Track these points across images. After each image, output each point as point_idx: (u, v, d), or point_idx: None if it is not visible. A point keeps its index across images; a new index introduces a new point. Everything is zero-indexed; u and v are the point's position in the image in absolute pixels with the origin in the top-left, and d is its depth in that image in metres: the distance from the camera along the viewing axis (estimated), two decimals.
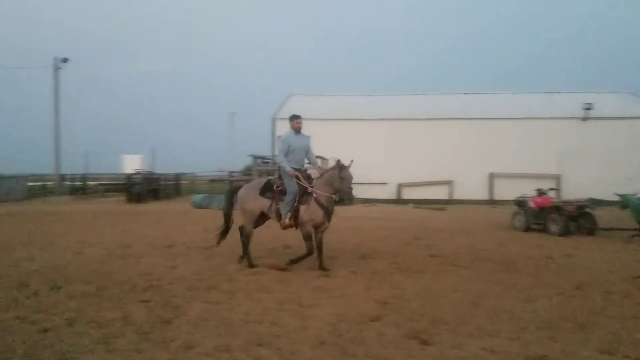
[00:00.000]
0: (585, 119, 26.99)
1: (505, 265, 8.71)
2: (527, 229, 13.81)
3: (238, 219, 8.95)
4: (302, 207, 8.23)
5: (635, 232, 12.00)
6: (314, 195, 8.20)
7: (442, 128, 27.16)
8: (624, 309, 6.03)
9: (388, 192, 26.79)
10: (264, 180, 9.14)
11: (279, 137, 9.82)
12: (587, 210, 13.28)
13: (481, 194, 26.45)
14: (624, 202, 12.56)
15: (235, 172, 35.43)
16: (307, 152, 8.67)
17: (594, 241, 11.92)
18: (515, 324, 5.40)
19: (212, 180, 36.90)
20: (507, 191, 21.67)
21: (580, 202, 13.56)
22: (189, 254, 9.66)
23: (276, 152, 9.60)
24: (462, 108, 28.81)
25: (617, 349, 4.66)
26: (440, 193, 26.48)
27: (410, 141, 27.00)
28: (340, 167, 8.17)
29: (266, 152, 29.87)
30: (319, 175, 8.51)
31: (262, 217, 8.83)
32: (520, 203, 14.51)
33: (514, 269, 8.47)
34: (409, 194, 26.72)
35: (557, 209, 13.26)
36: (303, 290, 6.81)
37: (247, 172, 32.28)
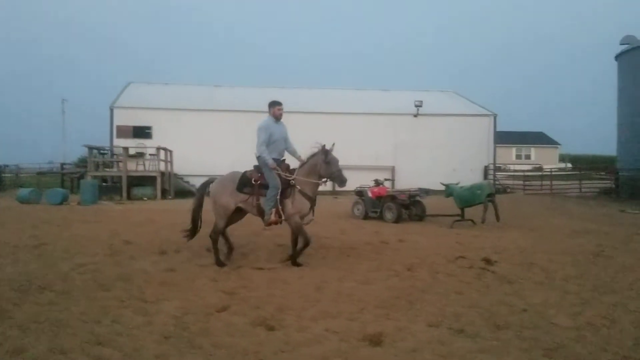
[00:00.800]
0: (416, 115, 29.38)
1: (347, 251, 9.18)
2: (366, 217, 14.71)
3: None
4: (287, 201, 7.87)
5: (458, 218, 13.37)
6: (298, 187, 7.89)
7: (289, 120, 27.65)
8: (449, 286, 6.69)
9: None
10: (238, 174, 8.42)
11: (259, 126, 8.34)
12: (418, 198, 14.53)
13: (324, 185, 27.48)
14: (448, 191, 13.96)
15: (68, 163, 32.78)
16: (286, 141, 8.34)
17: (423, 226, 13.09)
18: (355, 305, 5.74)
19: (39, 173, 33.66)
20: (348, 182, 22.85)
21: (411, 191, 14.76)
22: (15, 252, 8.74)
23: (257, 143, 8.16)
24: (307, 102, 29.68)
25: (442, 322, 5.17)
26: None
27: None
28: (325, 152, 7.90)
29: (104, 142, 28.06)
30: (299, 165, 8.15)
31: (239, 213, 8.39)
32: (360, 193, 15.40)
33: (354, 254, 8.97)
34: None
35: (392, 198, 14.30)
36: (146, 286, 6.54)
37: (82, 163, 30.06)
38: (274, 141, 8.03)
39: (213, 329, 4.94)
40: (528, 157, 57.66)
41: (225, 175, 8.64)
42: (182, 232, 8.73)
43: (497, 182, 28.87)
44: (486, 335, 4.79)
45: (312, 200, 8.06)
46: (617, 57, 26.56)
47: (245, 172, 8.32)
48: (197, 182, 25.57)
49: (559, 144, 60.78)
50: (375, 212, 14.60)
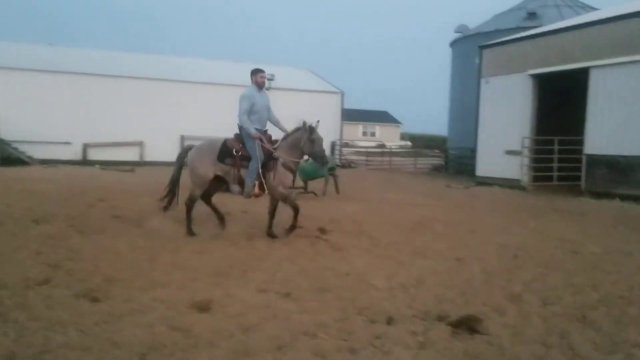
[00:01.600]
0: (268, 88, 29.53)
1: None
2: None
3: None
4: (270, 173, 7.66)
5: (301, 190, 13.86)
6: (281, 159, 7.65)
7: (132, 87, 26.22)
8: (283, 254, 6.98)
9: (72, 153, 24.74)
10: (218, 142, 7.95)
11: (241, 95, 7.98)
12: None
13: (173, 156, 26.61)
14: None
15: None
16: (269, 111, 7.99)
17: (267, 198, 13.35)
18: (187, 275, 5.76)
19: None
20: None
21: None
22: None
23: (239, 112, 7.87)
24: (153, 68, 28.39)
25: (271, 287, 5.41)
26: (130, 154, 25.78)
27: (97, 99, 25.25)
28: (310, 129, 7.64)
29: None
30: (282, 137, 7.86)
31: (218, 182, 8.04)
32: None
33: (195, 224, 8.93)
34: (96, 155, 25.22)
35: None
36: None
37: None
38: (256, 111, 7.77)
39: (31, 302, 4.67)
40: (373, 134, 61.06)
41: (204, 143, 8.30)
42: (158, 201, 8.49)
43: (342, 158, 30.23)
44: (309, 297, 5.12)
45: (294, 174, 8.00)
46: (452, 44, 29.03)
47: (226, 140, 8.00)
48: (30, 150, 23.64)
49: (401, 123, 65.26)
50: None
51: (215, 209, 8.51)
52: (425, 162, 29.94)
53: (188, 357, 3.74)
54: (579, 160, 15.98)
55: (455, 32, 29.12)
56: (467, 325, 4.33)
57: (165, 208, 8.45)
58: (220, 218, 8.47)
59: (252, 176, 7.68)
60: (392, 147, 36.66)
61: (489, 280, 5.90)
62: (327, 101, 30.95)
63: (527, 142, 17.54)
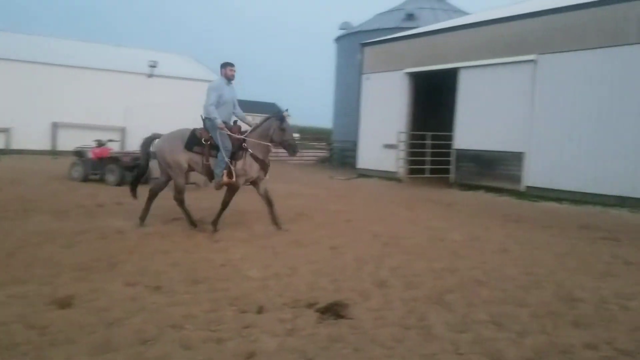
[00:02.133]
0: (150, 75, 28.40)
1: (55, 215, 8.60)
2: (86, 179, 13.84)
3: None
4: (238, 163, 7.64)
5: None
6: (250, 150, 7.65)
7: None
8: (157, 246, 6.80)
9: None
10: (187, 131, 7.89)
11: (209, 86, 7.88)
12: None
13: (44, 144, 24.90)
14: None
15: None
16: (235, 105, 7.98)
17: (147, 189, 12.89)
18: (50, 270, 5.44)
19: None
20: (72, 142, 21.05)
21: (136, 153, 14.36)
22: None
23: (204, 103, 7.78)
24: (23, 50, 26.17)
25: (141, 281, 5.25)
26: None
27: None
28: (281, 118, 7.62)
29: None
30: (252, 128, 7.90)
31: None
32: (79, 154, 14.40)
33: (64, 217, 8.44)
34: None
35: (115, 159, 13.72)
36: None
37: None
38: (223, 102, 7.75)
39: None
40: None
41: (171, 132, 8.12)
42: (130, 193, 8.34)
43: None
44: (181, 289, 5.04)
45: (264, 164, 7.92)
46: (336, 40, 29.71)
47: (194, 130, 7.91)
48: None
49: (289, 115, 65.54)
50: (96, 174, 13.85)
51: (150, 203, 8.24)
52: (311, 154, 30.46)
53: (44, 355, 3.55)
54: (450, 155, 17.14)
55: (340, 28, 29.83)
56: (334, 311, 4.51)
57: (133, 196, 8.33)
58: (145, 213, 8.16)
59: (221, 166, 7.65)
60: None
61: (359, 267, 6.16)
62: None
63: (402, 137, 18.51)
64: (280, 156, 28.82)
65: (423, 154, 18.49)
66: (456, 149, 16.89)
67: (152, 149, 8.56)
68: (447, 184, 16.84)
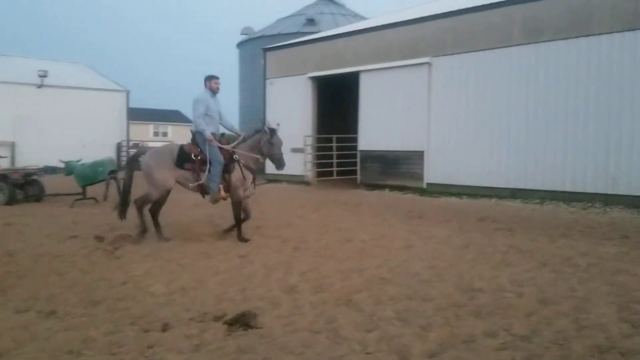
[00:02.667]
0: (40, 86, 26.71)
1: None
2: None
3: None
4: (232, 175, 7.66)
5: (79, 197, 12.79)
6: (242, 161, 7.70)
7: None
8: (52, 268, 6.36)
9: None
10: (175, 147, 7.91)
11: (195, 99, 7.84)
12: (35, 177, 13.32)
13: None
14: (69, 169, 13.20)
15: None
16: (221, 116, 7.96)
17: (40, 207, 12.11)
18: None
19: None
20: None
21: (27, 169, 13.44)
22: None
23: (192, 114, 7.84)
24: None
25: (33, 306, 4.88)
26: None
27: None
28: (271, 131, 7.64)
29: None
30: (241, 139, 7.92)
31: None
32: None
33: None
34: None
35: (4, 177, 12.74)
36: None
37: None
38: (210, 115, 7.71)
39: None
40: (165, 134, 59.10)
41: (159, 147, 8.21)
42: (113, 211, 8.28)
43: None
44: (78, 312, 4.74)
45: (255, 173, 7.99)
46: (238, 45, 29.48)
47: (182, 146, 7.88)
48: None
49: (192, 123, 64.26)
50: None
51: (142, 217, 7.96)
52: None
53: None
54: (355, 156, 17.52)
55: (242, 33, 29.65)
56: (243, 321, 4.41)
57: (121, 217, 8.19)
58: (144, 231, 7.94)
59: (216, 180, 7.63)
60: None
61: (268, 274, 6.09)
62: (110, 100, 29.16)
63: (309, 141, 18.67)
64: None
65: (330, 157, 18.75)
66: (361, 151, 17.29)
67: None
68: (354, 184, 17.19)
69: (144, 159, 8.08)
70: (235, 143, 7.99)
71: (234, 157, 7.82)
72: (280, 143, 7.98)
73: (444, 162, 15.09)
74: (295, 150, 18.90)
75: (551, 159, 13.11)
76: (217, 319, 4.57)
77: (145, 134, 54.56)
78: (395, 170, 16.23)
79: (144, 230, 7.92)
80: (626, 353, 3.74)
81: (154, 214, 8.01)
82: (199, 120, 7.65)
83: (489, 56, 14.24)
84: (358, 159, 17.39)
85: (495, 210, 11.65)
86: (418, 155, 15.63)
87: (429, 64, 15.35)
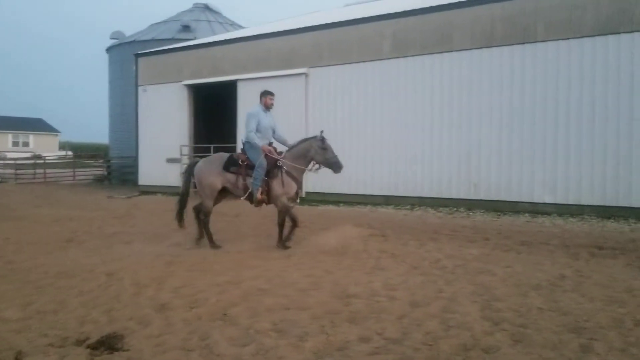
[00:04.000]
0: None
1: None
2: None
3: None
4: (274, 181, 7.95)
5: None
6: (284, 168, 7.95)
7: None
8: None
9: None
10: (225, 155, 8.42)
11: (248, 114, 8.20)
12: None
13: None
14: None
15: None
16: (274, 130, 8.34)
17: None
18: None
19: None
20: None
21: None
22: None
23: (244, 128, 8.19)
24: None
25: None
26: None
27: None
28: (322, 138, 7.99)
29: None
30: (289, 148, 8.25)
31: (220, 194, 8.43)
32: None
33: None
34: None
35: None
36: None
37: None
38: (261, 129, 8.02)
39: None
40: (27, 144, 54.52)
41: (211, 156, 8.80)
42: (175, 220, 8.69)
43: None
44: None
45: (299, 184, 8.21)
46: (108, 50, 27.94)
47: (232, 154, 8.40)
48: None
49: (59, 132, 60.07)
50: None
51: (200, 226, 8.57)
52: (87, 173, 28.08)
53: None
54: None
55: (111, 38, 28.17)
56: (107, 344, 4.09)
57: (181, 225, 8.72)
58: (201, 235, 8.54)
59: (257, 183, 7.91)
60: (49, 158, 33.22)
61: (138, 292, 5.73)
62: None
63: (185, 150, 18.11)
64: (50, 177, 26.08)
65: None
66: None
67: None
68: (233, 195, 16.89)
69: (197, 166, 8.56)
70: (284, 153, 8.31)
71: (277, 163, 8.06)
72: (331, 147, 8.20)
73: (322, 170, 15.32)
74: (170, 160, 18.27)
75: (419, 167, 13.86)
76: (79, 343, 4.19)
77: (4, 144, 49.94)
78: None
79: (214, 245, 8.36)
80: (488, 349, 3.97)
81: (206, 222, 8.47)
82: (251, 134, 8.03)
83: (362, 68, 14.78)
84: None
85: (370, 217, 12.05)
86: None
87: (305, 74, 15.60)
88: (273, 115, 8.51)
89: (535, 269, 6.68)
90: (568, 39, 11.87)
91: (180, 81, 18.36)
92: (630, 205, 11.09)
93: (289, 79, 15.95)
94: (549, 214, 11.74)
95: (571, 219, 11.15)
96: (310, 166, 8.33)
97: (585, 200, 11.62)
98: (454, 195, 13.28)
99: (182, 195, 8.77)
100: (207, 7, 28.31)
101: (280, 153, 8.29)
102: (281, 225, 8.27)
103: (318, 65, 15.53)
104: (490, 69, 12.85)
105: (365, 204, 14.19)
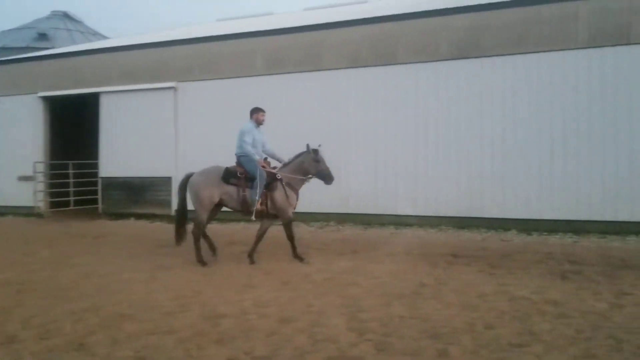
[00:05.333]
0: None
1: None
2: None
3: None
4: (276, 193, 8.10)
5: None
6: (284, 180, 8.11)
7: None
8: None
9: None
10: (220, 167, 8.42)
11: (243, 130, 8.34)
12: None
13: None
14: None
15: None
16: (264, 145, 8.55)
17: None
18: None
19: None
20: None
21: None
22: None
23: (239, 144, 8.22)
24: None
25: None
26: None
27: None
28: (315, 151, 8.17)
29: None
30: (283, 164, 8.45)
31: (216, 208, 8.49)
32: None
33: None
34: None
35: None
36: None
37: None
38: (254, 145, 8.22)
39: None
40: None
41: (206, 168, 8.58)
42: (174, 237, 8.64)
43: None
44: None
45: (297, 194, 8.39)
46: None
47: (227, 167, 8.37)
48: None
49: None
50: None
51: (208, 238, 8.67)
52: None
53: None
54: (97, 184, 16.24)
55: None
56: None
57: (179, 242, 8.67)
58: (212, 247, 8.65)
59: (257, 194, 8.00)
60: None
61: None
62: None
63: (40, 167, 16.68)
64: None
65: (67, 185, 17.02)
66: (102, 178, 16.08)
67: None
68: (96, 215, 15.89)
69: (192, 178, 8.49)
70: (279, 167, 8.49)
71: (276, 176, 8.20)
72: (324, 159, 8.31)
73: None
74: (23, 178, 16.73)
75: None
76: None
77: None
78: (142, 197, 15.47)
79: (201, 261, 8.25)
80: None
81: (197, 236, 8.35)
82: (248, 148, 8.19)
83: (235, 84, 14.69)
84: (100, 187, 16.13)
85: (244, 234, 11.90)
86: (165, 182, 15.16)
87: (174, 88, 15.16)
88: (263, 131, 8.73)
89: (399, 278, 7.01)
90: (426, 62, 12.75)
91: (36, 92, 16.91)
92: (482, 216, 12.08)
93: (157, 92, 15.36)
94: (411, 225, 12.42)
95: (430, 230, 11.91)
96: (305, 177, 8.47)
97: (442, 212, 12.47)
98: (326, 209, 13.58)
99: (180, 211, 8.72)
100: (66, 15, 26.56)
101: (274, 167, 8.51)
102: (291, 237, 8.40)
103: (188, 80, 15.16)
104: (357, 87, 13.41)
105: (239, 220, 14.03)
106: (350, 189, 13.34)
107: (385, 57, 13.20)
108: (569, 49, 11.45)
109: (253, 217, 8.31)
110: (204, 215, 8.39)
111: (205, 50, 15.18)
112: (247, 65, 14.63)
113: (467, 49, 12.40)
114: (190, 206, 8.62)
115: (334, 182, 8.38)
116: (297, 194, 8.46)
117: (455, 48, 12.53)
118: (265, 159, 8.62)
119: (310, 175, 8.43)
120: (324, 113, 13.72)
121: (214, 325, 5.04)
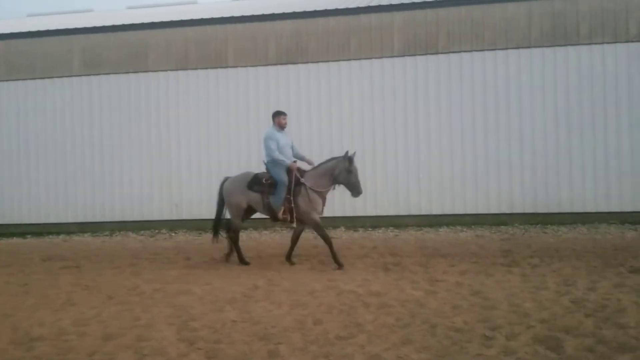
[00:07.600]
0: None
1: None
2: None
3: None
4: (299, 198, 7.93)
5: None
6: (308, 185, 7.91)
7: None
8: None
9: None
10: (250, 173, 8.55)
11: (265, 137, 8.10)
12: None
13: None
14: None
15: None
16: (292, 147, 8.37)
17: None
18: None
19: None
20: None
21: None
22: None
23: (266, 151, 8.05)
24: None
25: None
26: None
27: None
28: (350, 159, 7.83)
29: None
30: (314, 166, 8.24)
31: (247, 213, 8.51)
32: None
33: None
34: None
35: None
36: None
37: None
38: (280, 149, 8.03)
39: None
40: None
41: (238, 174, 8.72)
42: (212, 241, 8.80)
43: None
44: None
45: (324, 200, 8.12)
46: None
47: (257, 173, 8.42)
48: None
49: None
50: None
51: (236, 242, 8.54)
52: None
53: None
54: None
55: None
56: None
57: (215, 240, 8.77)
58: (230, 253, 8.57)
59: (279, 200, 7.91)
60: None
61: None
62: None
63: None
64: None
65: None
66: None
67: None
68: None
69: (225, 185, 8.59)
70: (308, 170, 8.19)
71: (300, 180, 7.95)
72: (357, 170, 7.96)
73: (8, 199, 13.52)
74: None
75: (117, 190, 13.27)
76: None
77: None
78: None
79: (243, 261, 8.36)
80: None
81: (234, 239, 8.45)
82: (276, 154, 7.98)
83: (49, 85, 13.51)
84: None
85: (62, 248, 10.95)
86: None
87: None
88: (288, 133, 8.47)
89: (232, 282, 6.97)
90: (256, 66, 12.92)
91: None
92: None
93: None
94: (245, 229, 12.45)
95: (265, 232, 12.04)
96: (332, 185, 8.12)
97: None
98: (156, 217, 13.06)
99: (217, 214, 8.75)
100: None
101: (304, 171, 8.22)
102: (327, 239, 7.96)
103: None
104: (187, 90, 13.12)
105: (58, 233, 12.90)
106: (182, 194, 13.06)
107: (214, 61, 13.12)
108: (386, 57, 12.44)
109: (281, 225, 8.73)
110: (236, 220, 8.50)
111: (13, 48, 13.74)
112: (63, 65, 13.52)
113: (294, 55, 12.81)
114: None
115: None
116: (322, 197, 8.15)
117: (284, 53, 12.87)
118: (295, 162, 8.39)
119: (335, 185, 8.14)
120: (150, 115, 13.24)
121: (27, 349, 4.55)
